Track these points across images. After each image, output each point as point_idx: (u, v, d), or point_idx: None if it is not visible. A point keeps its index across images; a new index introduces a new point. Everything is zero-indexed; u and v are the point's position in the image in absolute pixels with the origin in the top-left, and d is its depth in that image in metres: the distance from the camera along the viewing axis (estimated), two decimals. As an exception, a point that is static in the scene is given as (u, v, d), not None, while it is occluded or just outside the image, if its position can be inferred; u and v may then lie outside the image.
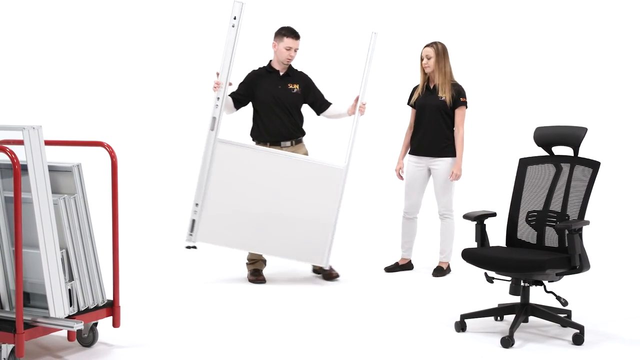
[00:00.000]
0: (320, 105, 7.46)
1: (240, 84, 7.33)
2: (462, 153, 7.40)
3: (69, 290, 4.79)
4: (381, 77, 7.53)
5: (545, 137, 5.74)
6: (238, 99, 7.30)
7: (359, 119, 7.21)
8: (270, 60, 7.38)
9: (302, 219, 7.09)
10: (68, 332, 5.14)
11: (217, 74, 6.99)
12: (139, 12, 10.50)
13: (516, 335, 5.41)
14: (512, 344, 5.21)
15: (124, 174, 7.35)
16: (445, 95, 7.34)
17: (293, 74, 7.38)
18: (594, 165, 5.42)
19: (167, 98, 10.50)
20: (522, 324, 5.73)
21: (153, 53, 10.50)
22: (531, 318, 5.82)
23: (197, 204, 6.99)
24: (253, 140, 7.36)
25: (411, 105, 7.59)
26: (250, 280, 7.23)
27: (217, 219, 7.02)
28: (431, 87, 7.45)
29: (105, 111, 10.32)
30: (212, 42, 10.40)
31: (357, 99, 7.24)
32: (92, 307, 4.97)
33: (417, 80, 7.61)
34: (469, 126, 7.74)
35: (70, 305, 4.79)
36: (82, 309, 4.89)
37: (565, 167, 5.55)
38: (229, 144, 7.02)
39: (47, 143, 4.84)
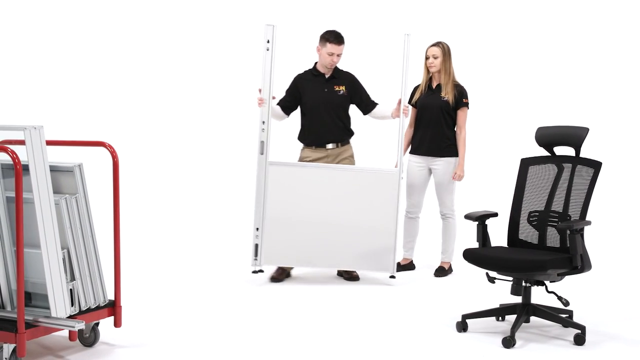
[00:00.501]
0: (367, 105, 7.47)
1: (287, 90, 7.39)
2: (464, 154, 7.41)
3: (71, 290, 4.79)
4: (382, 76, 7.52)
5: (547, 137, 5.74)
6: (287, 106, 7.37)
7: (405, 122, 7.24)
8: (316, 63, 7.39)
9: (363, 228, 7.15)
10: (69, 331, 5.14)
11: (260, 91, 7.04)
12: (138, 11, 10.50)
13: (517, 335, 5.41)
14: (514, 344, 5.21)
15: (125, 174, 7.36)
16: (448, 95, 7.34)
17: (339, 76, 7.39)
18: (596, 166, 5.42)
19: (168, 98, 10.51)
20: (523, 324, 5.73)
21: (154, 53, 10.50)
22: (532, 318, 5.81)
23: (257, 229, 7.07)
24: (301, 142, 7.43)
25: (412, 105, 7.59)
26: (272, 277, 7.28)
27: (280, 240, 7.11)
28: (433, 86, 7.45)
29: (107, 111, 10.32)
30: (210, 41, 10.42)
31: (399, 102, 7.23)
32: (93, 307, 4.97)
33: (416, 79, 7.61)
34: (471, 126, 7.73)
35: (72, 305, 4.80)
36: (83, 308, 4.89)
37: (567, 167, 5.55)
38: (280, 165, 7.10)
39: (49, 143, 4.85)
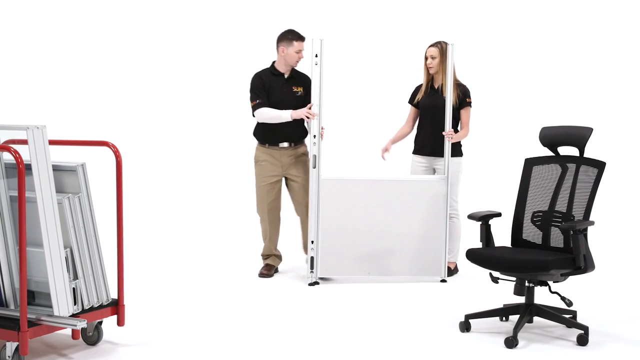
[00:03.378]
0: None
1: (259, 89, 7.32)
2: (462, 136, 7.42)
3: (73, 289, 4.80)
4: (379, 77, 7.51)
5: (551, 137, 5.73)
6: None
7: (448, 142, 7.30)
8: (274, 62, 7.40)
9: (414, 235, 7.28)
10: (72, 330, 5.14)
11: (310, 106, 7.09)
12: (140, 10, 10.50)
13: (520, 335, 5.40)
14: (516, 345, 5.21)
15: (128, 174, 7.37)
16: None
17: (297, 77, 7.43)
18: (600, 166, 5.41)
19: (171, 98, 10.51)
20: (526, 324, 5.72)
21: (157, 53, 10.51)
22: (536, 318, 5.80)
23: (312, 242, 7.16)
24: (256, 139, 7.45)
25: (414, 105, 7.57)
26: (261, 274, 7.39)
27: (334, 251, 7.22)
28: (436, 87, 7.45)
29: (110, 111, 10.32)
30: (210, 41, 10.41)
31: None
32: (96, 306, 4.98)
33: (416, 79, 7.61)
34: (476, 126, 7.72)
35: (75, 304, 4.81)
36: (86, 307, 4.90)
37: (571, 167, 5.55)
38: (332, 179, 7.19)
39: (52, 143, 4.85)
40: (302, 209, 7.48)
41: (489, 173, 9.81)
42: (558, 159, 5.67)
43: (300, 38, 7.26)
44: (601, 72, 10.29)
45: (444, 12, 10.41)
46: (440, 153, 7.39)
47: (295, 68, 7.40)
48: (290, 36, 7.25)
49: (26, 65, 10.16)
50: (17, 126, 4.72)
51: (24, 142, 4.63)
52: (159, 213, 9.95)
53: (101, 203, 6.12)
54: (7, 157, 4.78)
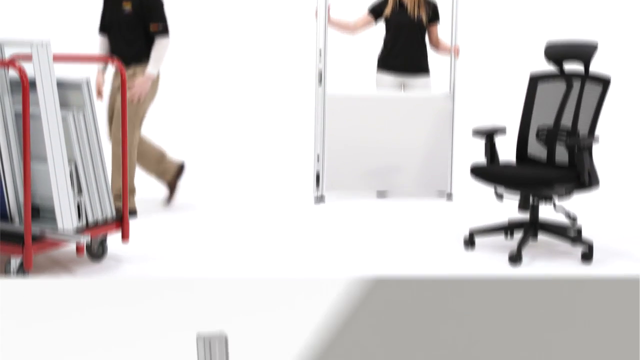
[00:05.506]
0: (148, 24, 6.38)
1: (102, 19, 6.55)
2: (449, 48, 7.39)
3: (78, 203, 4.81)
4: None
5: (556, 50, 5.69)
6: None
7: (455, 61, 7.31)
8: None
9: (420, 152, 7.34)
10: (77, 245, 5.18)
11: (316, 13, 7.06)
12: None
13: (525, 252, 5.42)
14: (520, 260, 5.23)
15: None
16: (421, 12, 7.27)
17: None
18: (604, 82, 5.38)
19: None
20: (531, 242, 5.74)
21: None
22: (540, 237, 5.82)
23: (318, 157, 7.23)
24: None
25: (385, 18, 7.41)
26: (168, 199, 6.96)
27: (340, 166, 7.31)
28: (405, 3, 7.35)
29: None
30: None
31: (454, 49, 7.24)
32: (101, 221, 4.99)
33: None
34: (481, 42, 7.67)
35: (79, 219, 4.82)
36: (91, 223, 4.91)
37: (576, 84, 5.52)
38: (338, 97, 7.24)
39: (56, 59, 4.82)
40: (115, 147, 6.23)
41: (494, 90, 9.73)
42: (563, 75, 5.64)
43: None
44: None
45: None
46: (414, 70, 7.40)
47: None
48: None
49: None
50: (22, 41, 4.69)
51: (29, 57, 4.61)
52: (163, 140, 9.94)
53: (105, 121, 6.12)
54: (13, 72, 4.77)
